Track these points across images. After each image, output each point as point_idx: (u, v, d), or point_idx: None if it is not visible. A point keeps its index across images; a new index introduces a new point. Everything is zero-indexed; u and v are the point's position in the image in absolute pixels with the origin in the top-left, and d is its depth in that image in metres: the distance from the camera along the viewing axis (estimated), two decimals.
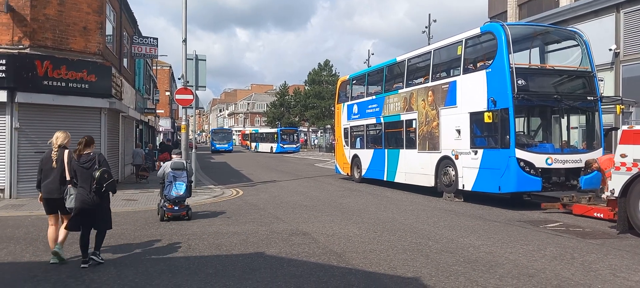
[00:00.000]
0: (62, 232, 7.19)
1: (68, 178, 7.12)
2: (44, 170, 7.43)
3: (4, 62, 13.64)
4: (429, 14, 41.33)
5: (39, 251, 7.76)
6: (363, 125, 19.90)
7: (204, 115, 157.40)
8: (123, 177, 20.12)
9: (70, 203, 6.99)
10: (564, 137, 13.27)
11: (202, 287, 5.88)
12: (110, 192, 7.14)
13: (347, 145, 21.42)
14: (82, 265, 6.77)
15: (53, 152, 7.42)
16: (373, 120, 18.93)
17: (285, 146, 58.41)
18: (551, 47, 14.85)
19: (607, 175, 9.78)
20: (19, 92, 13.85)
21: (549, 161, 12.06)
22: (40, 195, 7.48)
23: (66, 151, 7.35)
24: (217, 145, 61.11)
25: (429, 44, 30.86)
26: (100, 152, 8.49)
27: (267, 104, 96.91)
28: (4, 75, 13.62)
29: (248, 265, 6.90)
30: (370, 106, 19.21)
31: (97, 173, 6.85)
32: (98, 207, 6.98)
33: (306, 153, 59.79)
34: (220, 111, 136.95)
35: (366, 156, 19.54)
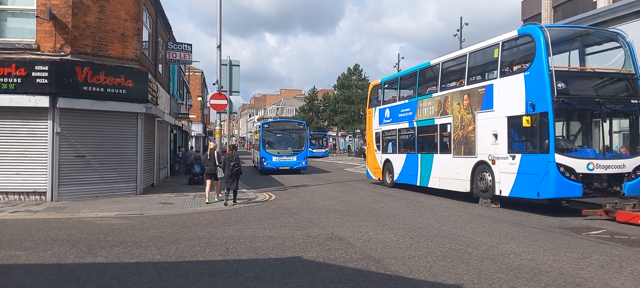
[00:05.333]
0: (216, 189, 15.16)
1: (217, 164, 14.61)
2: (206, 162, 15.14)
3: (46, 68, 14.05)
4: (461, 17, 40.79)
5: (82, 253, 7.92)
6: (395, 129, 19.74)
7: (234, 120, 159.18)
8: (158, 181, 20.45)
9: (220, 175, 14.45)
10: (606, 142, 12.85)
11: None
12: (239, 173, 14.35)
13: (379, 150, 21.28)
14: (232, 204, 14.06)
15: (208, 152, 15.29)
16: (405, 125, 18.76)
17: (314, 151, 58.39)
18: (591, 49, 14.40)
19: None
20: (60, 97, 14.24)
21: (590, 166, 11.70)
22: (204, 173, 15.51)
23: (216, 151, 14.99)
24: (274, 159, 28.53)
25: (460, 48, 30.52)
26: (237, 154, 15.18)
27: (295, 109, 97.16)
28: (46, 81, 14.03)
29: (286, 270, 6.90)
30: (402, 110, 19.05)
31: (234, 163, 14.07)
32: (233, 178, 14.11)
33: (335, 157, 59.74)
34: (250, 116, 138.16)
35: (398, 161, 19.37)
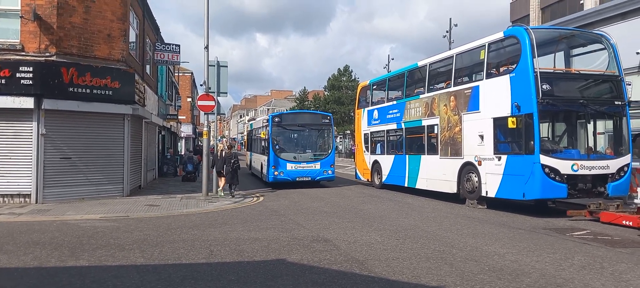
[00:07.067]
0: (222, 182, 17.23)
1: (224, 163, 17.04)
2: (216, 161, 17.43)
3: (31, 69, 13.91)
4: (450, 19, 40.95)
5: (64, 256, 7.84)
6: (383, 130, 19.78)
7: (224, 121, 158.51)
8: (145, 183, 20.32)
9: (226, 172, 16.83)
10: (590, 143, 12.97)
11: None
12: (237, 169, 17.03)
13: (367, 151, 21.31)
14: (233, 196, 16.56)
15: (218, 152, 17.88)
16: (394, 126, 18.80)
17: None
18: (576, 50, 14.54)
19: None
20: (45, 98, 14.11)
21: (575, 167, 11.79)
22: (214, 170, 17.47)
23: (224, 152, 17.59)
24: (289, 166, 20.53)
25: (450, 49, 30.65)
26: (235, 152, 18.78)
27: (286, 109, 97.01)
28: (31, 82, 13.88)
29: (270, 272, 6.87)
30: (390, 111, 19.10)
31: (233, 160, 16.78)
32: (233, 173, 16.76)
33: None
34: (241, 117, 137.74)
35: (387, 162, 19.41)
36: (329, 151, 21.34)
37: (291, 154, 20.76)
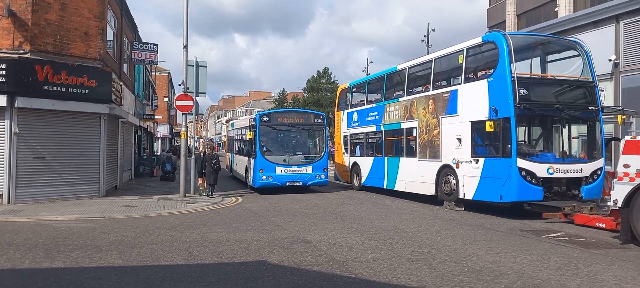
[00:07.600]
0: (201, 182, 18.05)
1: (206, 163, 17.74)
2: (198, 161, 18.00)
3: (4, 66, 13.58)
4: (428, 23, 41.40)
5: (38, 257, 7.66)
6: (363, 133, 19.86)
7: (202, 121, 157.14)
8: (121, 183, 20.01)
9: (207, 173, 17.35)
10: (565, 147, 13.24)
11: None
12: (218, 170, 17.54)
13: (347, 153, 21.38)
14: (211, 196, 16.74)
15: (201, 152, 19.54)
16: (373, 128, 18.90)
17: None
18: (552, 57, 14.83)
19: None
20: (18, 96, 13.78)
21: (551, 170, 12.03)
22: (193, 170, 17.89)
23: (205, 152, 18.33)
24: (278, 170, 18.77)
25: (427, 53, 30.97)
26: (216, 154, 18.91)
27: (263, 110, 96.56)
28: (4, 80, 13.56)
29: (250, 274, 6.83)
30: (370, 114, 19.20)
31: (214, 161, 17.25)
32: (213, 174, 17.19)
33: None
34: (219, 118, 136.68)
35: (366, 164, 19.49)
36: (322, 153, 19.76)
37: (281, 157, 19.15)
